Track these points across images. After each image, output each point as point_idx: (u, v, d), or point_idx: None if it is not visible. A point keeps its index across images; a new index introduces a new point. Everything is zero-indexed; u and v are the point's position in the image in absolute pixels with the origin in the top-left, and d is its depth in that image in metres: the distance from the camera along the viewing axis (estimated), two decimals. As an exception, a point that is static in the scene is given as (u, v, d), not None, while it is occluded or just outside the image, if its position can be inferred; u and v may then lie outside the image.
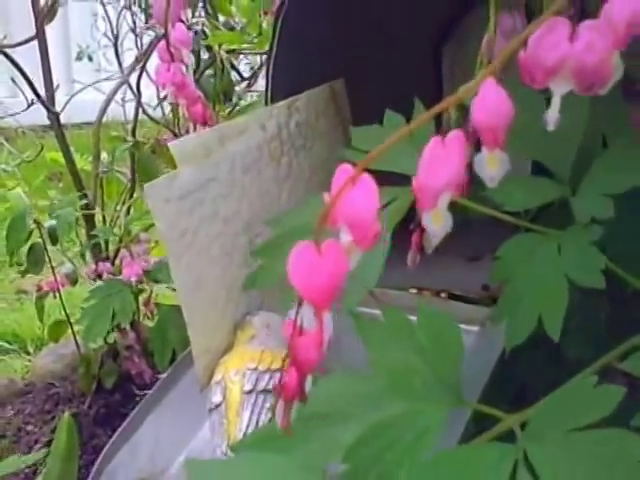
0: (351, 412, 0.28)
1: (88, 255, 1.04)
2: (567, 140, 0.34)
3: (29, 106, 0.89)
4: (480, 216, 0.37)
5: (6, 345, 1.36)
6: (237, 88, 1.32)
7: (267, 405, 0.39)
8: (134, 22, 1.42)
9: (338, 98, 0.57)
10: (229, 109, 1.27)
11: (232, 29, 1.19)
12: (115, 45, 1.42)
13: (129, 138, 1.06)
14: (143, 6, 1.39)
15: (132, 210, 1.06)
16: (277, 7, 0.55)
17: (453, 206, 0.29)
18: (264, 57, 1.12)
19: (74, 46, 2.28)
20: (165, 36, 0.54)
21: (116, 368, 1.02)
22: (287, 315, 0.44)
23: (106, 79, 1.15)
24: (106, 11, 1.45)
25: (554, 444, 0.24)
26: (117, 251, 1.01)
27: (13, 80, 0.92)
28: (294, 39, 0.54)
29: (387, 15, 0.63)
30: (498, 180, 0.24)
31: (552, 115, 0.25)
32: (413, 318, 0.33)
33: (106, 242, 1.03)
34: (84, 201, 0.95)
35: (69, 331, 1.06)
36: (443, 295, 0.50)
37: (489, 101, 0.23)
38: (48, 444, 0.95)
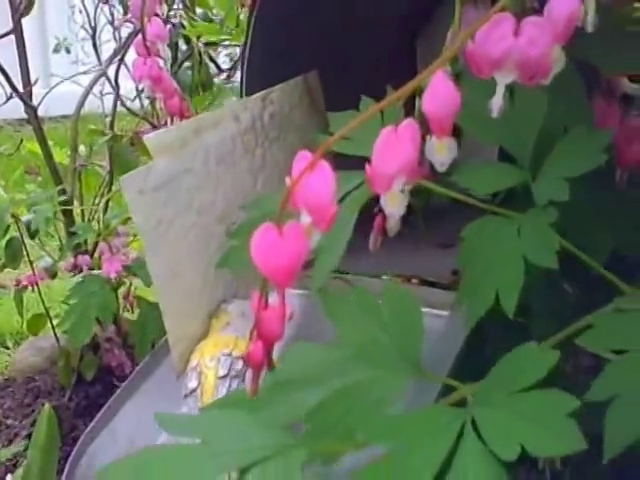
0: (316, 378, 0.30)
1: (66, 247, 1.04)
2: (527, 127, 0.36)
3: (7, 100, 0.89)
4: (452, 204, 0.39)
5: (-15, 340, 1.36)
6: (216, 80, 1.33)
7: (241, 389, 0.40)
8: (112, 14, 1.42)
9: (312, 90, 0.58)
10: (208, 101, 1.27)
11: (210, 21, 1.20)
12: (93, 37, 1.41)
13: (107, 131, 1.06)
14: (120, -3, 1.38)
15: (111, 203, 1.06)
16: (252, 1, 0.56)
17: (424, 193, 0.30)
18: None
19: (51, 38, 2.26)
20: (142, 30, 0.55)
21: (96, 360, 1.02)
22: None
23: (84, 72, 1.15)
24: (83, 3, 1.44)
25: (498, 406, 0.26)
26: (96, 244, 1.01)
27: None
28: (268, 33, 0.55)
29: (360, 7, 0.64)
30: (447, 164, 0.26)
31: (496, 102, 0.27)
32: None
33: (85, 238, 1.03)
34: (63, 197, 0.94)
35: (48, 325, 1.06)
36: (414, 281, 0.52)
37: (438, 93, 0.25)
38: (28, 437, 0.95)
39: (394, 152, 0.24)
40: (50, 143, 1.04)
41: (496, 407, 0.26)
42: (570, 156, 0.35)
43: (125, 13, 1.39)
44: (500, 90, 0.26)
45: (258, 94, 0.52)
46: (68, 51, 2.11)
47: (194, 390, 0.41)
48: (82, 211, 1.08)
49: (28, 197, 1.05)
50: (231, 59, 1.46)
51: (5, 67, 0.89)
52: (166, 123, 0.61)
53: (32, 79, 0.97)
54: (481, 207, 0.35)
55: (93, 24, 1.43)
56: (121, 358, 1.00)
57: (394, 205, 0.25)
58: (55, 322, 1.05)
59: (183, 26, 1.25)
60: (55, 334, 1.03)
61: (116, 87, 1.08)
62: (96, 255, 1.00)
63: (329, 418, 0.28)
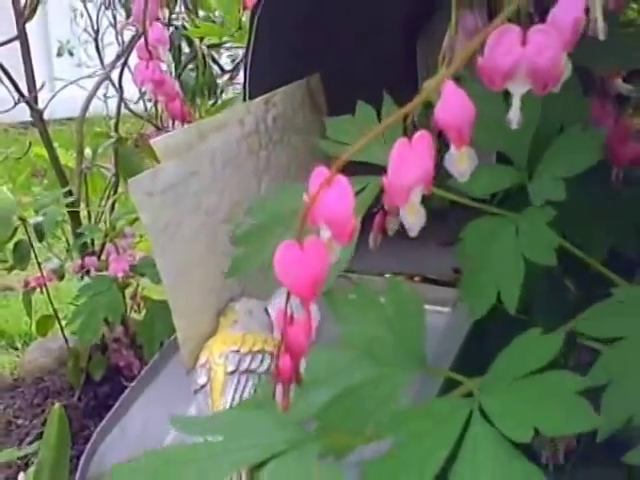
0: (325, 379, 0.31)
1: (74, 251, 1.05)
2: (522, 129, 0.37)
3: (15, 105, 0.90)
4: (453, 204, 0.40)
5: (-7, 342, 1.37)
6: (219, 81, 1.34)
7: (249, 385, 0.42)
8: (114, 17, 1.43)
9: (314, 92, 0.59)
10: (212, 102, 1.28)
11: (213, 23, 1.21)
12: (96, 40, 1.42)
13: (112, 134, 1.07)
14: (123, 1, 1.39)
15: (117, 205, 1.07)
16: (254, 4, 0.57)
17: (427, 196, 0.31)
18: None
19: (54, 41, 2.28)
20: (144, 35, 0.56)
21: (104, 361, 1.03)
22: (267, 301, 0.46)
23: (89, 76, 1.16)
24: (86, 6, 1.45)
25: (504, 392, 0.27)
26: (103, 246, 1.02)
27: (-5, 78, 0.93)
28: (271, 35, 0.56)
29: (362, 9, 0.65)
30: (468, 175, 0.26)
31: (514, 114, 0.28)
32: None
33: (92, 238, 1.05)
34: (70, 199, 0.96)
35: (57, 326, 1.07)
36: (417, 279, 0.53)
37: (452, 103, 0.25)
38: (39, 437, 0.96)
39: (410, 164, 0.25)
40: (55, 145, 1.05)
41: (502, 394, 0.27)
42: (565, 156, 0.36)
43: (127, 16, 1.40)
44: (516, 101, 0.26)
45: (261, 97, 0.53)
46: (71, 54, 2.13)
47: (204, 386, 0.42)
48: (89, 213, 1.09)
49: (35, 199, 1.06)
50: (233, 60, 1.47)
51: (10, 71, 0.90)
52: (169, 125, 0.62)
53: (36, 83, 0.98)
54: (479, 208, 0.36)
55: (96, 27, 1.44)
56: (129, 358, 1.01)
57: (413, 216, 0.25)
58: (63, 323, 1.07)
59: (185, 28, 1.26)
60: (64, 335, 1.04)
61: (120, 90, 1.09)
62: (103, 257, 1.01)
63: (339, 414, 0.29)
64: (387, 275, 0.53)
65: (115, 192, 1.09)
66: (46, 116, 0.99)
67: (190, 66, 1.26)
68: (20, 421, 1.03)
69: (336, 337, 0.33)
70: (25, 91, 0.95)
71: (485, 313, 0.35)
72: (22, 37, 0.86)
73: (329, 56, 0.61)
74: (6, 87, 0.91)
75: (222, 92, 1.39)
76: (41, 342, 1.19)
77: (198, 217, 0.47)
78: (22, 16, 0.83)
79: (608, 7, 0.31)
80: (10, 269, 1.04)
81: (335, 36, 0.62)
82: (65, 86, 1.07)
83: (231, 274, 0.39)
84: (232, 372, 0.42)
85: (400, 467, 0.25)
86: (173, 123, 0.61)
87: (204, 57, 1.17)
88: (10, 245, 1.00)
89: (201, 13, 1.26)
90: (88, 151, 1.11)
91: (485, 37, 0.27)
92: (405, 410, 0.28)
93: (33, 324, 1.14)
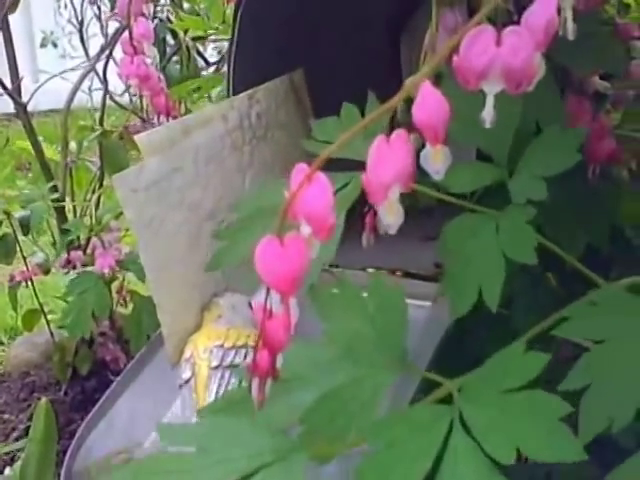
0: (308, 378, 0.31)
1: (60, 245, 1.05)
2: (503, 127, 0.37)
3: (-2, 98, 0.90)
4: (438, 200, 0.40)
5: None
6: (204, 73, 1.33)
7: (233, 379, 0.42)
8: (99, 8, 1.42)
9: (298, 88, 0.59)
10: (195, 95, 1.28)
11: (197, 16, 1.20)
12: (80, 31, 1.41)
13: (97, 127, 1.07)
14: (107, -8, 1.38)
15: (102, 198, 1.07)
16: (236, 3, 0.57)
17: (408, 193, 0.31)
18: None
19: (37, 32, 2.25)
20: (128, 29, 0.56)
21: (91, 355, 1.03)
22: (251, 296, 0.46)
23: (72, 69, 1.15)
24: (69, -4, 1.44)
25: (487, 404, 0.27)
26: (88, 240, 1.02)
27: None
28: (254, 31, 0.56)
29: (346, 5, 0.65)
30: (443, 172, 0.26)
31: (488, 113, 0.28)
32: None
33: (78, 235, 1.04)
34: (55, 195, 0.95)
35: (42, 320, 1.07)
36: (398, 273, 0.53)
37: (428, 103, 0.25)
38: (25, 432, 0.96)
39: (388, 162, 0.25)
40: (39, 138, 1.05)
41: (486, 405, 0.27)
42: (544, 155, 0.36)
43: (112, 7, 1.39)
44: (490, 101, 0.27)
45: (245, 93, 0.53)
46: (55, 45, 2.11)
47: (188, 380, 0.43)
48: (74, 207, 1.09)
49: (20, 193, 1.06)
50: (219, 52, 1.46)
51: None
52: (154, 118, 0.62)
53: (20, 75, 0.97)
54: (460, 204, 0.37)
55: (80, 18, 1.43)
56: (115, 352, 1.01)
57: (392, 214, 0.25)
58: (49, 317, 1.06)
59: (170, 21, 1.26)
60: (50, 329, 1.04)
61: (105, 83, 1.08)
62: (89, 251, 1.01)
63: (323, 418, 0.29)
64: (370, 270, 0.54)
65: (101, 186, 1.09)
66: (29, 108, 0.99)
67: (175, 58, 1.26)
68: (6, 416, 1.03)
69: (320, 332, 0.33)
70: (8, 83, 0.94)
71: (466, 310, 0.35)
72: (4, 28, 0.85)
73: (312, 53, 0.61)
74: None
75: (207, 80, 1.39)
76: (27, 336, 1.18)
77: (182, 213, 0.47)
78: (3, 8, 0.82)
79: (578, 7, 0.32)
80: (-5, 263, 1.03)
81: (318, 33, 0.63)
82: (50, 78, 1.06)
83: (211, 268, 0.40)
84: (216, 367, 0.42)
85: (380, 476, 0.25)
86: (159, 117, 0.61)
87: (188, 50, 1.16)
88: (-5, 239, 0.99)
89: (186, 5, 1.26)
90: (73, 144, 1.10)
91: (463, 36, 0.28)
92: (386, 417, 0.28)
93: (19, 318, 1.14)
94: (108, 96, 1.11)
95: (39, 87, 1.02)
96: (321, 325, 0.34)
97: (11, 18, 0.93)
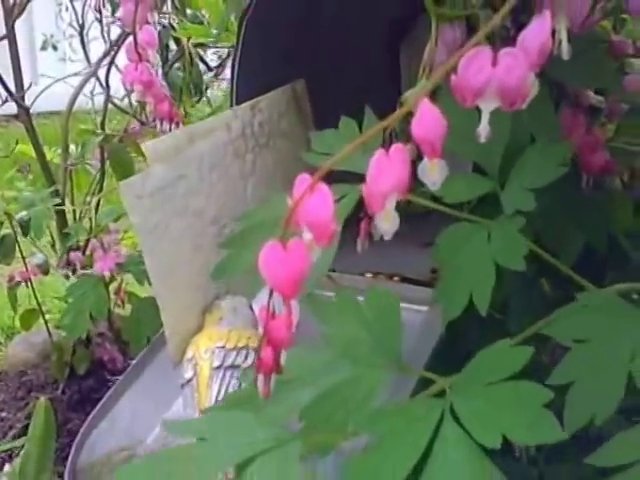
0: (308, 378, 0.33)
1: (59, 247, 1.06)
2: (494, 141, 0.39)
3: (4, 103, 0.91)
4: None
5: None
6: (205, 77, 1.35)
7: (234, 379, 0.44)
8: (100, 12, 1.43)
9: (299, 97, 0.61)
10: (197, 98, 1.30)
11: (200, 23, 1.22)
12: (81, 35, 1.42)
13: (98, 131, 1.08)
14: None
15: (102, 202, 1.08)
16: (242, 11, 0.58)
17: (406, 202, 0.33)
18: (231, 48, 1.15)
19: (38, 35, 2.26)
20: (133, 37, 0.58)
21: (88, 355, 1.04)
22: (252, 299, 0.48)
23: (75, 74, 1.16)
24: (71, 0, 1.45)
25: (475, 396, 0.29)
26: (87, 241, 1.03)
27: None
28: (257, 44, 0.58)
29: (343, 13, 0.66)
30: (439, 184, 0.28)
31: (483, 128, 0.30)
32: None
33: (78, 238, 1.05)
34: (57, 199, 0.97)
35: (40, 320, 1.08)
36: (396, 278, 0.55)
37: (426, 119, 0.27)
38: (22, 430, 0.97)
39: (387, 174, 0.27)
40: (40, 141, 1.06)
41: (474, 397, 0.28)
42: (533, 169, 0.38)
43: (113, 11, 1.40)
44: (485, 117, 0.28)
45: (248, 103, 0.55)
46: (55, 48, 2.12)
47: (190, 380, 0.44)
48: (74, 209, 1.10)
49: (20, 195, 1.07)
50: (219, 56, 1.48)
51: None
52: (154, 120, 0.63)
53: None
54: (454, 214, 0.39)
55: (81, 22, 1.44)
56: (113, 352, 1.02)
57: (388, 222, 0.27)
58: (47, 317, 1.07)
59: (173, 27, 1.27)
60: (48, 329, 1.05)
61: (107, 88, 1.10)
62: (88, 252, 1.02)
63: (322, 414, 0.31)
64: (368, 274, 0.56)
65: (101, 189, 1.10)
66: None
67: (177, 64, 1.27)
68: (4, 414, 1.04)
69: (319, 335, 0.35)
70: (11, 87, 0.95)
71: (458, 315, 0.37)
72: (11, 36, 0.87)
73: (317, 57, 0.62)
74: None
75: (207, 88, 1.40)
76: (25, 336, 1.19)
77: (186, 219, 0.48)
78: (11, 15, 0.83)
79: (572, 30, 0.34)
80: (-5, 264, 1.04)
81: (322, 39, 0.64)
82: (52, 83, 1.07)
83: (216, 277, 0.41)
84: (218, 367, 0.44)
85: (377, 464, 0.27)
86: (161, 122, 0.62)
87: (191, 56, 1.18)
88: (-5, 240, 1.00)
89: (188, 12, 1.27)
90: (73, 147, 1.12)
91: (462, 55, 0.29)
92: (382, 409, 0.30)
93: (17, 318, 1.15)
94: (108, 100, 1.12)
95: (42, 91, 1.04)
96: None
97: (13, 22, 0.95)
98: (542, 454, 0.53)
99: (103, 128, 1.09)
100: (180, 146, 0.47)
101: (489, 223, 0.39)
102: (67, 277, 1.04)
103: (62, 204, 1.03)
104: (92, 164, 1.17)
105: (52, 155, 1.23)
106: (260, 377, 0.28)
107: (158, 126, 0.63)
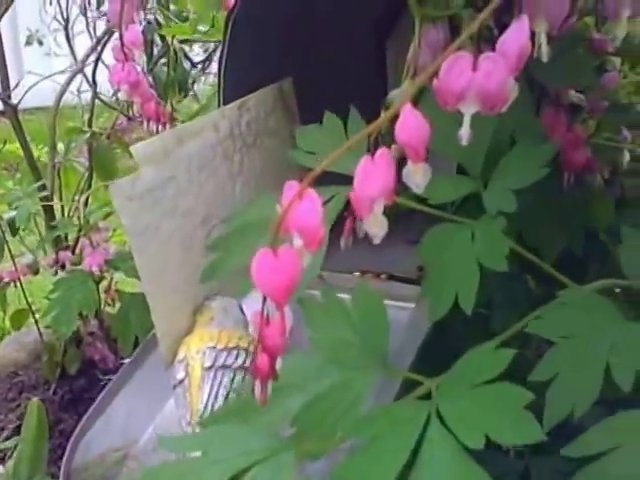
0: (298, 385, 0.33)
1: (48, 245, 1.06)
2: (477, 143, 0.40)
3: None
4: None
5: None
6: (193, 71, 1.34)
7: (225, 379, 0.44)
8: (85, 6, 1.42)
9: (286, 96, 0.61)
10: (183, 95, 1.29)
11: (185, 19, 1.21)
12: (66, 29, 1.41)
13: (85, 128, 1.08)
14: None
15: (90, 199, 1.08)
16: (229, 10, 0.58)
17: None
18: (218, 42, 1.14)
19: (22, 29, 2.24)
20: (120, 37, 0.58)
21: (79, 355, 1.05)
22: (241, 299, 0.48)
23: (62, 71, 1.16)
24: (56, -7, 1.43)
25: (460, 398, 0.30)
26: (77, 240, 1.03)
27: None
28: (248, 41, 0.58)
29: (330, 11, 0.67)
30: (423, 187, 0.29)
31: (464, 132, 0.30)
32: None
33: (65, 232, 1.05)
34: (44, 193, 0.96)
35: (31, 320, 1.08)
36: (383, 276, 0.56)
37: (409, 124, 0.28)
38: (14, 431, 0.98)
39: (373, 179, 0.27)
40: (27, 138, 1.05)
41: (459, 399, 0.29)
42: (515, 170, 0.39)
43: (98, 4, 1.39)
44: (467, 120, 0.29)
45: (235, 102, 0.55)
46: (40, 43, 2.10)
47: (182, 381, 0.45)
48: (62, 207, 1.10)
49: (7, 194, 1.06)
50: (205, 50, 1.47)
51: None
52: (142, 116, 0.63)
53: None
54: (438, 215, 0.39)
55: (65, 15, 1.43)
56: (104, 352, 1.03)
57: (376, 226, 0.28)
58: (37, 317, 1.07)
59: (158, 23, 1.27)
60: (38, 329, 1.05)
61: (94, 85, 1.09)
62: (77, 251, 1.02)
63: (313, 420, 0.32)
64: (356, 273, 0.56)
65: (89, 186, 1.10)
66: (14, 106, 0.99)
67: (162, 59, 1.27)
68: (-5, 415, 1.04)
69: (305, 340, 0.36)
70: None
71: (444, 313, 0.37)
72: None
73: (301, 57, 0.62)
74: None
75: (194, 82, 1.40)
76: (15, 336, 1.19)
77: (175, 220, 0.49)
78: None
79: (551, 33, 0.34)
80: (-18, 264, 1.04)
81: (308, 37, 0.64)
82: (40, 80, 1.06)
83: (205, 279, 0.42)
84: (209, 367, 0.44)
85: (365, 467, 0.27)
86: (148, 122, 0.62)
87: (176, 52, 1.18)
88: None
89: (172, 7, 1.27)
90: (60, 145, 1.11)
91: (445, 58, 0.30)
92: (370, 413, 0.31)
93: (7, 318, 1.15)
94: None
95: (30, 89, 1.03)
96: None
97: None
98: (528, 448, 0.54)
99: (91, 126, 1.08)
100: (169, 148, 0.48)
101: (472, 223, 0.40)
102: (56, 274, 1.04)
103: (50, 201, 1.02)
104: (80, 162, 1.16)
105: (39, 153, 1.23)
106: (257, 384, 0.28)
107: (145, 126, 0.63)
